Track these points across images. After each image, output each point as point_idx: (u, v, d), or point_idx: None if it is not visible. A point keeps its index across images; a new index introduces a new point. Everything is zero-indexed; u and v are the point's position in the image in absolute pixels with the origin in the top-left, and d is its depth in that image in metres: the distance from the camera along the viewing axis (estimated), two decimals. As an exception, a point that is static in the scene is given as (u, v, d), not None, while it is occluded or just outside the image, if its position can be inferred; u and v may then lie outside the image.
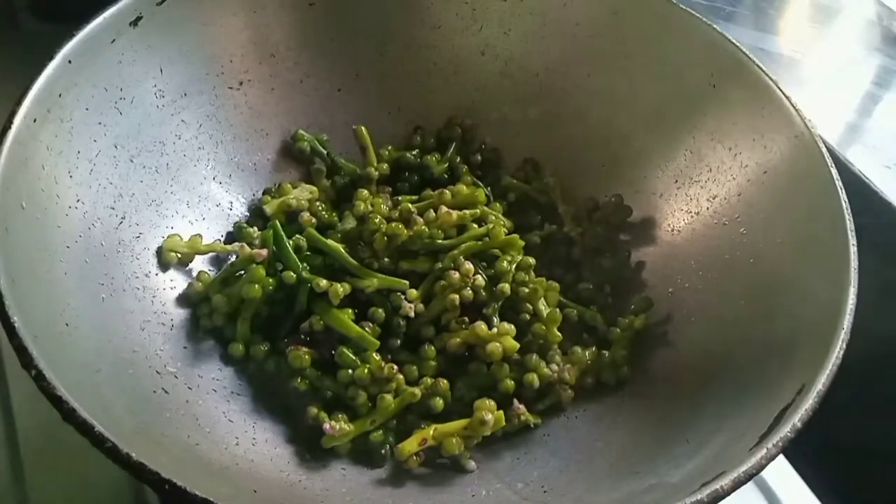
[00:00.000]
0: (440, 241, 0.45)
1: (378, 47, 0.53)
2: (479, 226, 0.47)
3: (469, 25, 0.54)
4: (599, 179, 0.52)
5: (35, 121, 0.37)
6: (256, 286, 0.43)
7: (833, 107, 0.70)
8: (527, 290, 0.44)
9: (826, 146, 0.42)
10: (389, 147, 0.53)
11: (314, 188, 0.50)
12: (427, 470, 0.41)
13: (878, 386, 0.54)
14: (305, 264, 0.44)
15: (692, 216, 0.48)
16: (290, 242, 0.45)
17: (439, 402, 0.41)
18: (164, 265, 0.44)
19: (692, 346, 0.44)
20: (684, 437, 0.38)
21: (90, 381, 0.34)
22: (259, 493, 0.36)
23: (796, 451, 0.46)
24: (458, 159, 0.54)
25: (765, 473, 0.43)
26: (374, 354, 0.42)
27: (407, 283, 0.44)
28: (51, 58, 0.39)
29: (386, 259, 0.45)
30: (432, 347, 0.44)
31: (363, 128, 0.53)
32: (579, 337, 0.47)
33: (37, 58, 0.39)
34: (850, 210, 0.40)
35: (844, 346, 0.35)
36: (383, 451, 0.41)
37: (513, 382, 0.43)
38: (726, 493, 0.31)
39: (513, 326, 0.43)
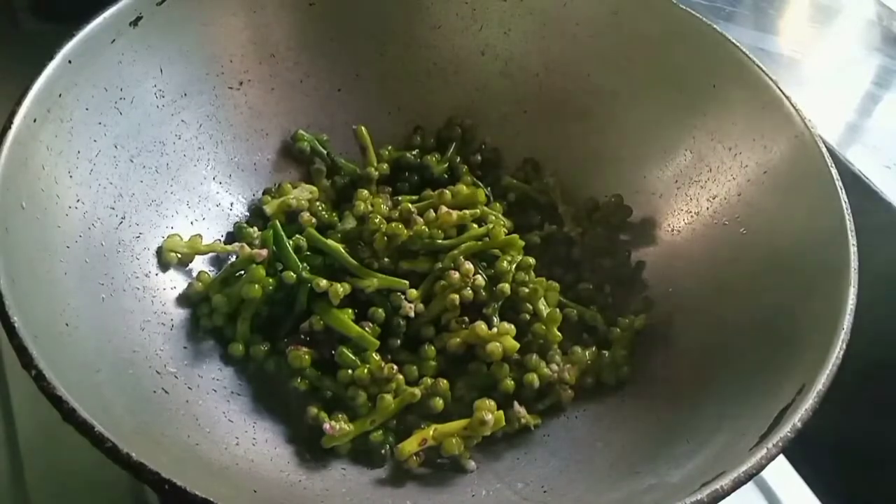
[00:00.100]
0: (440, 241, 0.45)
1: (378, 47, 0.53)
2: (479, 226, 0.47)
3: (469, 25, 0.54)
4: (599, 179, 0.52)
5: (35, 121, 0.37)
6: (256, 286, 0.43)
7: (833, 107, 0.70)
8: (527, 290, 0.44)
9: (826, 146, 0.42)
10: (389, 147, 0.53)
11: (314, 188, 0.50)
12: (427, 470, 0.41)
13: (879, 386, 0.54)
14: (305, 264, 0.44)
15: (692, 216, 0.48)
16: (290, 242, 0.45)
17: (439, 402, 0.41)
18: (164, 265, 0.44)
19: (692, 346, 0.44)
20: (684, 437, 0.38)
21: (90, 381, 0.34)
22: (259, 493, 0.36)
23: (796, 451, 0.46)
24: (458, 159, 0.54)
25: (765, 473, 0.43)
26: (374, 354, 0.42)
27: (407, 283, 0.44)
28: (51, 58, 0.39)
29: (386, 259, 0.45)
30: (432, 347, 0.44)
31: (363, 128, 0.53)
32: (579, 337, 0.47)
33: (37, 58, 0.39)
34: (850, 210, 0.40)
35: (844, 346, 0.35)
36: (383, 451, 0.41)
37: (513, 382, 0.43)
38: (726, 493, 0.31)
39: (513, 326, 0.43)
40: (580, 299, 0.49)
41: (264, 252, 0.44)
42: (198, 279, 0.44)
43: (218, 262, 0.47)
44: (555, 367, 0.44)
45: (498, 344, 0.42)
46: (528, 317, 0.45)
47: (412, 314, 0.43)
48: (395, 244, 0.45)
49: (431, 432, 0.40)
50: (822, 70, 0.75)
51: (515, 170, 0.54)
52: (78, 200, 0.40)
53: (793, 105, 0.44)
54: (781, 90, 0.45)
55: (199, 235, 0.46)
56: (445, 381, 0.42)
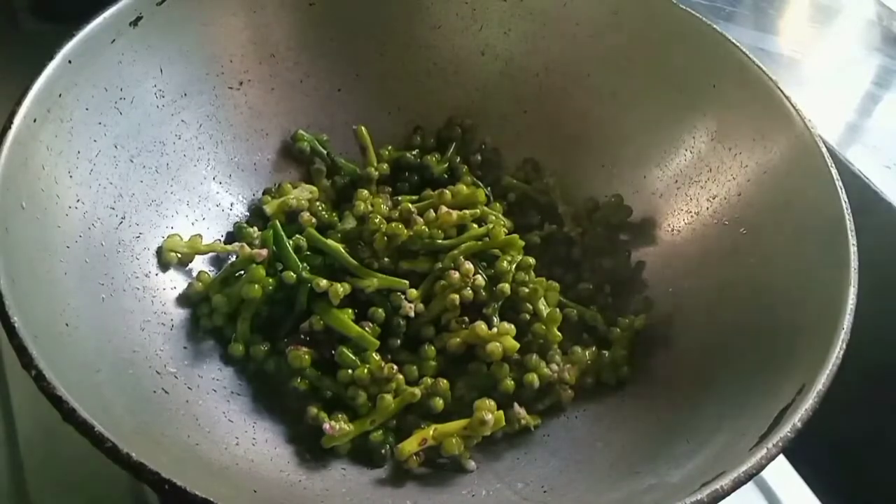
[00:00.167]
0: (440, 241, 0.45)
1: (378, 47, 0.53)
2: (479, 226, 0.47)
3: (469, 25, 0.54)
4: (599, 179, 0.52)
5: (35, 121, 0.37)
6: (256, 286, 0.43)
7: (833, 107, 0.70)
8: (527, 290, 0.44)
9: (826, 146, 0.42)
10: (389, 147, 0.53)
11: (314, 188, 0.50)
12: (427, 470, 0.41)
13: (879, 386, 0.54)
14: (305, 264, 0.44)
15: (692, 216, 0.48)
16: (290, 242, 0.45)
17: (439, 402, 0.41)
18: (164, 265, 0.44)
19: (692, 346, 0.44)
20: (684, 437, 0.38)
21: (90, 381, 0.34)
22: (259, 493, 0.36)
23: (796, 451, 0.46)
24: (458, 159, 0.54)
25: (765, 473, 0.43)
26: (374, 354, 0.42)
27: (407, 283, 0.44)
28: (51, 58, 0.39)
29: (386, 259, 0.45)
30: (432, 347, 0.44)
31: (363, 128, 0.53)
32: (579, 337, 0.47)
33: (37, 58, 0.39)
34: (850, 210, 0.40)
35: (844, 346, 0.35)
36: (383, 451, 0.41)
37: (513, 382, 0.43)
38: (726, 493, 0.31)
39: (513, 326, 0.43)
40: (580, 299, 0.49)
41: (264, 252, 0.44)
42: (198, 279, 0.44)
43: (218, 262, 0.47)
44: (555, 367, 0.44)
45: (498, 344, 0.42)
46: (528, 317, 0.45)
47: (412, 314, 0.43)
48: (395, 244, 0.45)
49: (431, 432, 0.40)
50: (822, 70, 0.75)
51: (515, 170, 0.54)
52: (78, 200, 0.40)
53: (793, 105, 0.44)
54: (781, 90, 0.45)
55: (199, 235, 0.46)
56: (445, 381, 0.42)
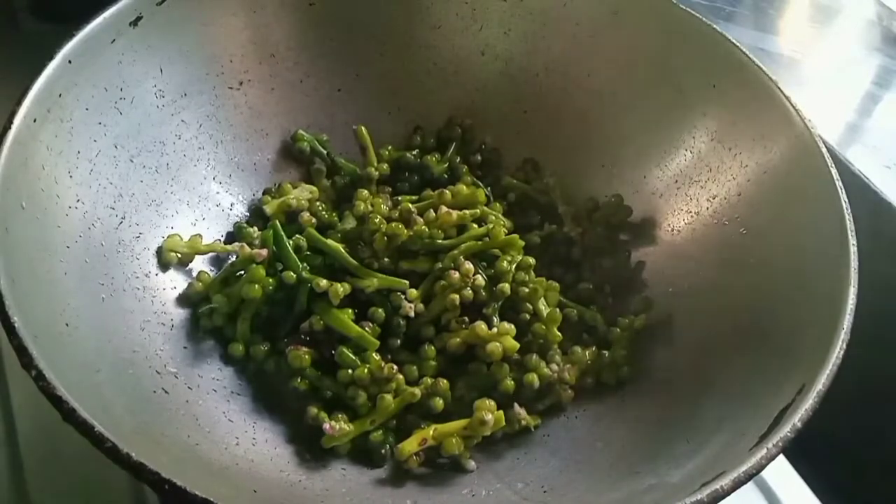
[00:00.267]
0: (440, 241, 0.45)
1: (378, 47, 0.53)
2: (479, 226, 0.47)
3: (469, 25, 0.54)
4: (599, 179, 0.52)
5: (35, 121, 0.37)
6: (256, 286, 0.43)
7: (833, 107, 0.70)
8: (527, 290, 0.44)
9: (826, 146, 0.42)
10: (389, 147, 0.53)
11: (314, 188, 0.50)
12: (427, 470, 0.41)
13: (879, 386, 0.54)
14: (305, 264, 0.44)
15: (692, 216, 0.48)
16: (290, 242, 0.45)
17: (439, 402, 0.41)
18: (164, 265, 0.44)
19: (692, 346, 0.44)
20: (684, 437, 0.38)
21: (90, 381, 0.34)
22: (259, 493, 0.36)
23: (796, 451, 0.46)
24: (458, 159, 0.54)
25: (765, 473, 0.43)
26: (374, 354, 0.42)
27: (407, 283, 0.44)
28: (51, 58, 0.39)
29: (386, 259, 0.45)
30: (432, 347, 0.44)
31: (363, 128, 0.53)
32: (579, 337, 0.47)
33: (37, 58, 0.39)
34: (850, 210, 0.40)
35: (844, 346, 0.35)
36: (383, 451, 0.41)
37: (513, 382, 0.43)
38: (726, 493, 0.31)
39: (513, 326, 0.43)
40: (580, 299, 0.49)
41: (264, 252, 0.44)
42: (198, 279, 0.44)
43: (218, 262, 0.47)
44: (555, 367, 0.44)
45: (498, 344, 0.42)
46: (528, 317, 0.45)
47: (412, 314, 0.43)
48: (395, 244, 0.45)
49: (431, 432, 0.40)
50: (822, 70, 0.75)
51: (515, 170, 0.54)
52: (78, 200, 0.40)
53: (793, 105, 0.44)
54: (781, 90, 0.45)
55: (199, 235, 0.46)
56: (445, 381, 0.42)
